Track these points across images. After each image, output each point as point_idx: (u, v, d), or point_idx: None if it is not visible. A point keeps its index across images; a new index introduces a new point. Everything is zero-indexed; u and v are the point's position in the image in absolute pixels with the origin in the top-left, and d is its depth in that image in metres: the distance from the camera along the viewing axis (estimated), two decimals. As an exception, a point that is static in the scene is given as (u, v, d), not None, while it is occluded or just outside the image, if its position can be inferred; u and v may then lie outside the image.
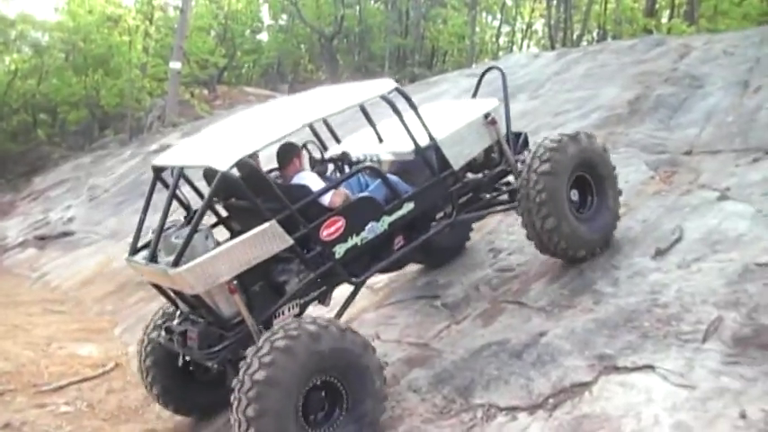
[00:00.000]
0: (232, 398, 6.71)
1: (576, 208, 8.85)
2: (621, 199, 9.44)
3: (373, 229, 7.99)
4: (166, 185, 8.08)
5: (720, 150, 10.91)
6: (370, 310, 10.08)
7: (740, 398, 6.17)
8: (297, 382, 6.75)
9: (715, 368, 6.61)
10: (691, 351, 6.99)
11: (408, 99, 8.37)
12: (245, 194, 7.38)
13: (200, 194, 8.49)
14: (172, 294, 7.94)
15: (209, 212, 8.00)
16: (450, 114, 9.29)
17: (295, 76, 41.96)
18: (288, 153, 8.39)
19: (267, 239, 7.33)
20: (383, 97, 8.15)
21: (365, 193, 8.25)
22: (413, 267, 10.74)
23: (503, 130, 9.23)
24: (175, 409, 8.99)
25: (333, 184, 7.97)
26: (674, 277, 8.28)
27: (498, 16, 44.55)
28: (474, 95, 10.45)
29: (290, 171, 8.33)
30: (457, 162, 8.69)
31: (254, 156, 7.65)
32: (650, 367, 6.87)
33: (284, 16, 41.75)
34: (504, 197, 9.39)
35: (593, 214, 8.97)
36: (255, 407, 6.55)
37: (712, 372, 6.57)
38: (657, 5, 38.18)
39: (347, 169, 8.95)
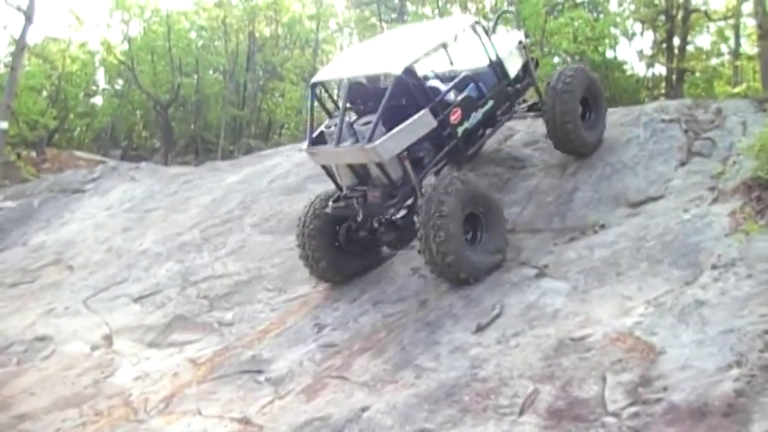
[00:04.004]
0: (419, 234, 9.88)
1: (582, 117, 12.25)
2: None
3: (475, 117, 11.28)
4: (317, 97, 11.27)
5: (540, 229, 11.32)
6: (193, 386, 9.83)
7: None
8: (459, 211, 9.93)
9: (530, 441, 6.80)
10: (508, 424, 7.18)
11: (485, 29, 11.69)
12: (408, 92, 10.42)
13: (335, 103, 11.56)
14: (338, 173, 10.87)
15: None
16: (498, 42, 12.12)
17: (129, 142, 41.10)
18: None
19: (423, 122, 10.41)
20: (472, 26, 11.52)
21: (466, 93, 11.28)
22: (239, 341, 10.66)
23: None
24: (333, 278, 11.46)
25: (452, 85, 11.23)
26: (493, 352, 8.50)
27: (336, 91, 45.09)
28: (494, 31, 13.30)
29: None
30: (512, 73, 12.05)
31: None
32: (468, 441, 7.00)
33: (120, 81, 40.85)
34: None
35: (592, 123, 12.48)
36: (440, 233, 9.68)
37: (528, 444, 6.77)
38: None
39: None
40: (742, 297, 8.29)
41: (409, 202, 10.81)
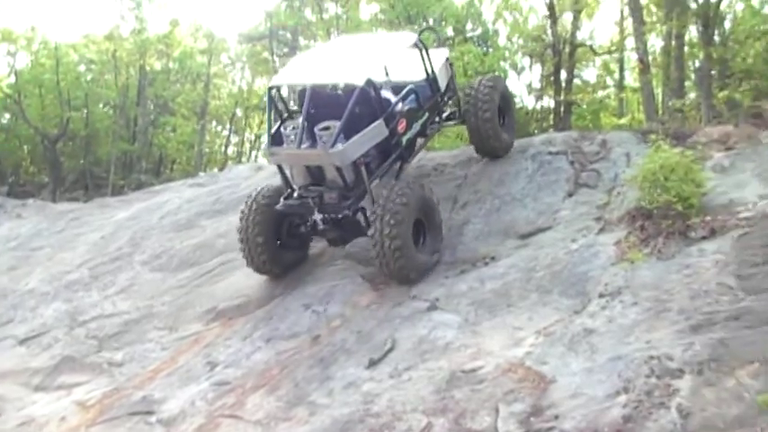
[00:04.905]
0: (374, 232, 10.61)
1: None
2: (337, 311, 10.53)
3: (415, 128, 12.19)
4: (273, 101, 11.68)
5: (432, 262, 11.39)
6: (81, 430, 9.58)
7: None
8: (411, 216, 10.79)
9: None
10: (402, 459, 7.18)
11: (425, 47, 12.44)
12: (368, 101, 11.13)
13: (287, 108, 12.19)
14: (292, 173, 11.57)
15: None
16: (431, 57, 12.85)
17: (16, 177, 39.98)
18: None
19: (378, 131, 11.20)
20: (415, 43, 12.26)
21: (408, 105, 12.07)
22: (130, 382, 10.44)
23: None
24: (272, 271, 12.02)
25: (400, 97, 11.91)
26: (386, 386, 8.53)
27: (228, 126, 44.69)
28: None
29: None
30: (441, 86, 13.01)
31: None
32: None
33: (6, 115, 39.76)
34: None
35: (506, 127, 13.52)
36: (393, 231, 10.46)
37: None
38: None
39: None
40: (628, 324, 8.54)
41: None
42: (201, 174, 32.50)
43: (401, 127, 11.80)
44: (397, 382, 8.55)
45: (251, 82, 44.16)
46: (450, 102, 13.60)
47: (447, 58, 13.72)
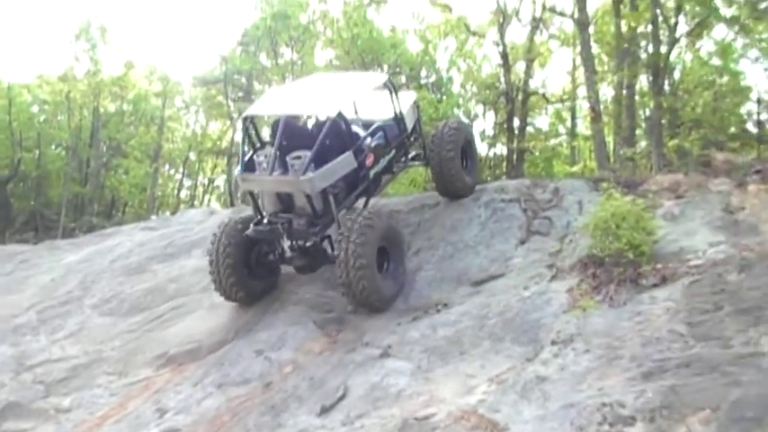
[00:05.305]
0: (339, 258, 10.92)
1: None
2: (289, 357, 10.33)
3: (382, 163, 12.58)
4: (247, 130, 12.04)
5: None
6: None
7: None
8: (375, 243, 11.11)
9: None
10: (353, 508, 7.11)
11: (394, 87, 13.04)
12: (338, 133, 11.61)
13: (260, 138, 12.28)
14: (263, 199, 11.99)
15: None
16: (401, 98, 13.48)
17: (-35, 218, 39.46)
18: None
19: (347, 162, 11.64)
20: (385, 83, 12.86)
21: (376, 141, 12.55)
22: (77, 429, 10.24)
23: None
24: (242, 299, 12.24)
25: (369, 132, 12.51)
26: (338, 434, 8.43)
27: (181, 170, 44.50)
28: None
29: None
30: (408, 126, 13.45)
31: None
32: None
33: (-42, 154, 39.35)
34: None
35: (469, 170, 13.94)
36: (358, 250, 10.81)
37: None
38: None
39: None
40: (581, 372, 8.55)
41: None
42: (154, 217, 32.41)
43: (369, 161, 12.22)
44: (349, 430, 8.47)
45: (205, 126, 44.15)
46: (415, 143, 13.97)
47: (415, 101, 14.32)
